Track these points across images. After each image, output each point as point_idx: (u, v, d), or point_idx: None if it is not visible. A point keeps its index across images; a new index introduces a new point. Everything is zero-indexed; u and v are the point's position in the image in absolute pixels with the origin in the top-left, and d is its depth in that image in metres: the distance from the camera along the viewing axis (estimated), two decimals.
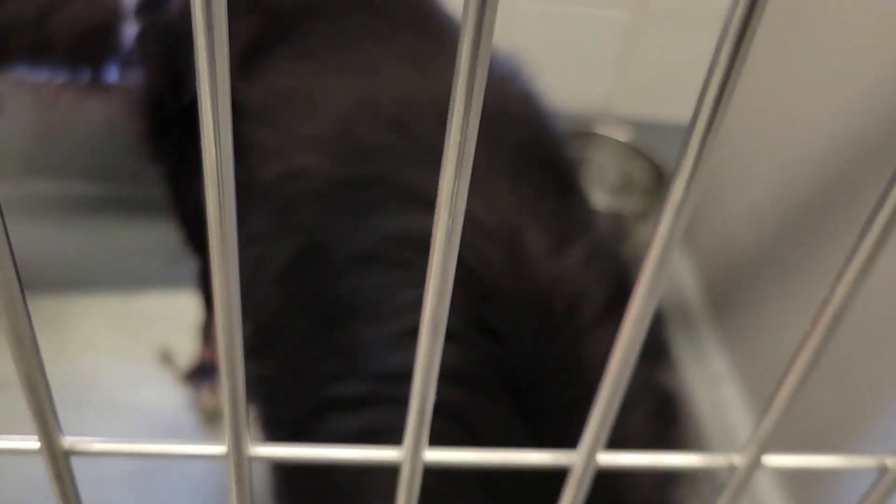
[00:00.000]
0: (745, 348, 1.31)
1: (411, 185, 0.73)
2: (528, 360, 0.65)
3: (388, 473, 0.66)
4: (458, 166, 0.16)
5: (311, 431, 0.71)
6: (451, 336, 0.67)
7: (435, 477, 0.65)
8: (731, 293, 1.34)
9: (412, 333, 0.65)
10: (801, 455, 0.26)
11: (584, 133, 1.49)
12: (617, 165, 1.51)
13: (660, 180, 1.45)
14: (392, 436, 0.65)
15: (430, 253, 0.17)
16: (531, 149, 0.79)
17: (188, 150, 0.99)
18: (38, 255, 1.39)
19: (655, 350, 0.74)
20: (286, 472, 0.77)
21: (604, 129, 1.50)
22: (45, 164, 1.45)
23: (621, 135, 1.49)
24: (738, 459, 0.25)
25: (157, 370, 1.28)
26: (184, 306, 1.34)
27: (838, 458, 0.27)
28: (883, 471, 0.27)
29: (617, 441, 0.66)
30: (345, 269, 0.72)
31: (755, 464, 0.24)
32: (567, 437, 0.63)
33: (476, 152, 0.78)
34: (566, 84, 1.48)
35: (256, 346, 0.79)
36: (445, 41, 0.86)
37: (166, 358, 1.29)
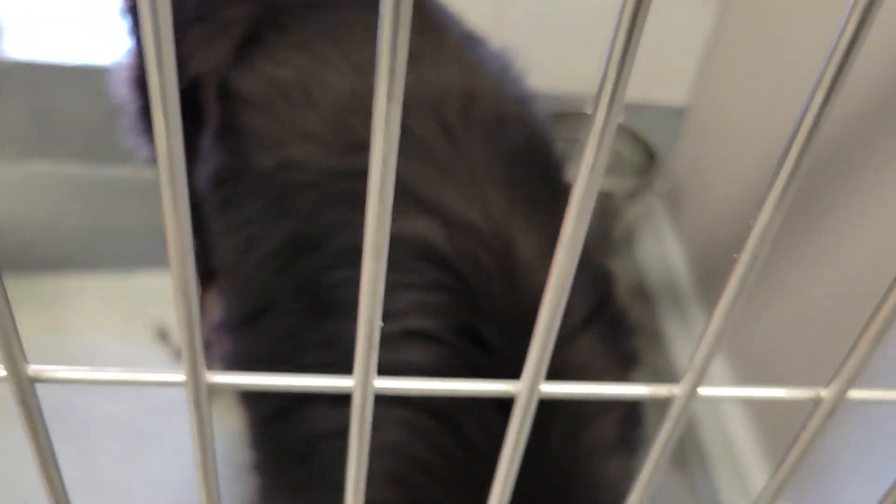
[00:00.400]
0: (738, 326, 1.33)
1: (407, 185, 0.73)
2: (511, 365, 0.67)
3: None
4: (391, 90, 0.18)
5: (292, 418, 0.73)
6: (438, 340, 0.69)
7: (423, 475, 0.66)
8: (719, 271, 1.36)
9: (400, 336, 0.67)
10: (738, 387, 0.28)
11: (575, 113, 1.51)
12: None
13: (650, 160, 1.46)
14: (378, 429, 0.67)
15: (369, 175, 0.19)
16: (525, 154, 0.80)
17: (183, 134, 1.01)
18: (35, 234, 1.41)
19: (626, 356, 0.76)
20: (260, 425, 0.78)
21: None
22: (41, 144, 1.47)
23: None
24: (677, 390, 0.26)
25: (153, 347, 1.30)
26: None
27: (774, 390, 0.28)
28: (817, 402, 0.29)
29: (593, 441, 0.69)
30: (335, 260, 0.73)
31: (692, 393, 0.26)
32: (547, 439, 0.65)
33: (472, 156, 0.80)
34: (557, 65, 1.49)
35: (243, 322, 0.81)
36: (443, 37, 0.86)
37: (162, 335, 1.31)
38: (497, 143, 0.78)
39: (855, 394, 0.28)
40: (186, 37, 0.93)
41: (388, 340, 0.68)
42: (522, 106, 0.85)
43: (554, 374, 0.71)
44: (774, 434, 1.19)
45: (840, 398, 0.28)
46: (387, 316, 0.72)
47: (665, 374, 1.38)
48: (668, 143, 1.57)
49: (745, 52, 1.35)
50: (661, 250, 1.53)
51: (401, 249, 0.70)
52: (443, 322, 0.67)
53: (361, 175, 0.80)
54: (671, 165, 1.59)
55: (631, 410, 0.73)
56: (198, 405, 0.23)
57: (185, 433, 1.19)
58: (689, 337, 1.41)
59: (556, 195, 0.79)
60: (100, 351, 1.25)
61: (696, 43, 1.47)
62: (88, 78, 1.35)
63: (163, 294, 1.37)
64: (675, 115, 1.54)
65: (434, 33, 0.86)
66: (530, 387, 0.24)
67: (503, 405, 0.66)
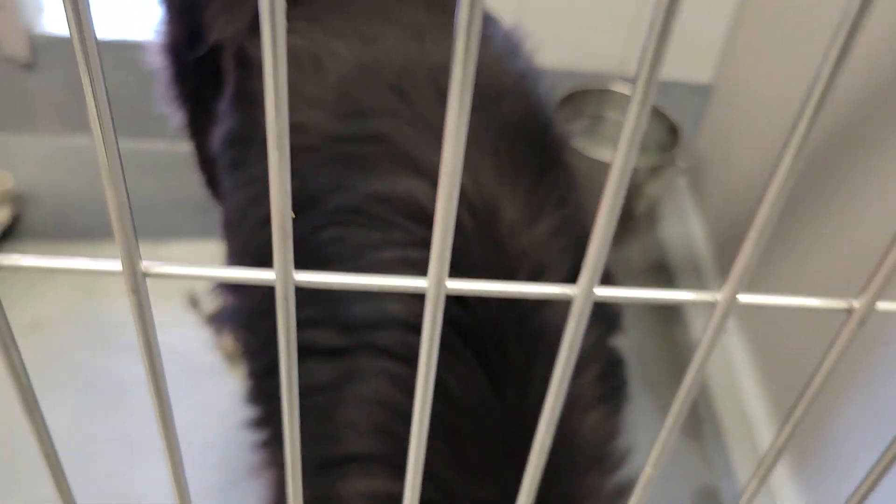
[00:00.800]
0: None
1: (403, 149, 0.76)
2: (491, 322, 0.70)
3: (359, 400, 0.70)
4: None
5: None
6: (416, 294, 0.71)
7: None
8: (739, 248, 1.36)
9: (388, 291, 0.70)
10: (773, 295, 0.30)
11: (600, 90, 1.52)
12: None
13: (674, 137, 1.47)
14: (363, 381, 0.69)
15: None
16: (520, 127, 0.82)
17: (204, 98, 1.05)
18: (73, 204, 1.47)
19: (608, 318, 0.78)
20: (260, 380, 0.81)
21: (618, 87, 1.52)
22: (80, 118, 1.53)
23: None
24: (718, 296, 0.28)
25: (184, 313, 1.35)
26: (210, 254, 1.41)
27: (808, 300, 0.30)
28: (850, 312, 0.30)
29: (570, 398, 0.71)
30: (330, 219, 0.76)
31: (732, 300, 0.28)
32: (526, 393, 0.68)
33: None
34: (582, 44, 1.50)
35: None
36: (449, 13, 0.88)
37: (193, 302, 1.36)
38: (492, 115, 0.80)
39: (883, 305, 0.30)
40: (209, 7, 0.98)
41: (371, 293, 0.71)
42: (523, 81, 0.87)
43: (535, 332, 0.73)
44: (788, 405, 1.19)
45: (870, 309, 0.29)
46: (372, 269, 0.75)
47: (684, 349, 1.39)
48: (692, 120, 1.57)
49: (769, 29, 1.35)
50: (682, 226, 1.54)
51: (391, 207, 0.73)
52: (422, 278, 0.70)
53: (359, 140, 0.83)
54: (695, 142, 1.59)
55: (611, 369, 0.75)
56: (136, 293, 0.26)
57: (210, 396, 1.24)
58: (709, 311, 1.41)
59: (547, 166, 0.81)
60: (131, 316, 1.31)
61: (720, 21, 1.47)
62: (126, 53, 1.40)
63: (193, 263, 1.42)
64: (700, 93, 1.54)
65: (441, 10, 0.89)
66: (587, 289, 0.27)
67: (481, 359, 0.68)
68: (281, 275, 0.28)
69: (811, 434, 1.10)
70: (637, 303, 0.28)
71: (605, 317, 0.77)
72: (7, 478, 1.13)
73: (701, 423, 1.30)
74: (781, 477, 1.16)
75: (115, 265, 0.27)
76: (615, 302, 0.81)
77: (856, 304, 0.31)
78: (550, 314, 0.71)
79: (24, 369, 0.29)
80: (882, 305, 0.31)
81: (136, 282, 0.27)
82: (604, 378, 0.73)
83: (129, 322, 1.34)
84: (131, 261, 0.27)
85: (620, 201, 0.26)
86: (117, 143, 0.24)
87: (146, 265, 0.27)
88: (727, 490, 1.22)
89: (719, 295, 0.29)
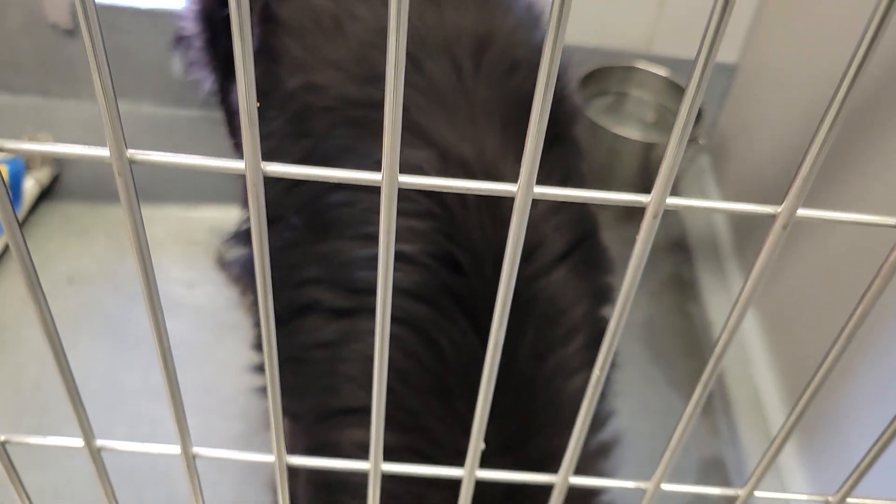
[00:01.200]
0: (767, 280, 1.35)
1: (414, 120, 0.77)
2: (485, 290, 0.72)
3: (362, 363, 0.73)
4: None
5: (290, 328, 0.78)
6: (416, 262, 0.74)
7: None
8: (758, 228, 1.37)
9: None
10: (829, 210, 0.32)
11: (624, 67, 1.54)
12: (655, 99, 1.55)
13: (697, 116, 1.48)
14: (363, 341, 0.72)
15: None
16: (530, 97, 0.84)
17: (232, 59, 1.09)
18: (110, 168, 1.53)
19: (599, 291, 0.81)
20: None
21: (642, 64, 1.54)
22: (117, 84, 1.58)
23: (660, 70, 1.53)
24: (779, 209, 0.30)
25: (212, 273, 1.40)
26: (237, 217, 1.46)
27: (861, 216, 0.31)
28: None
29: (556, 364, 0.73)
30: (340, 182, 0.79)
31: (792, 213, 0.30)
32: (515, 356, 0.71)
33: (477, 98, 0.85)
34: (609, 22, 1.52)
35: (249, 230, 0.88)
36: None
37: (221, 262, 1.41)
38: (504, 87, 0.82)
39: (804, 213, 0.31)
40: None
41: (374, 260, 0.74)
42: (537, 53, 0.89)
43: (527, 302, 0.76)
44: (798, 383, 1.21)
45: (792, 214, 0.31)
46: (375, 239, 0.77)
47: (701, 326, 1.41)
48: (716, 99, 1.58)
49: (794, 11, 1.36)
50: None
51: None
52: (423, 247, 0.73)
53: (373, 105, 0.86)
54: (719, 122, 1.60)
55: (599, 337, 0.77)
56: (121, 174, 0.30)
57: (234, 350, 1.29)
58: (725, 290, 1.43)
59: (554, 141, 0.82)
60: (164, 274, 1.36)
61: (747, 2, 1.48)
62: (161, 21, 1.45)
63: (222, 225, 1.47)
64: (725, 73, 1.55)
65: None
66: (660, 199, 0.30)
67: (474, 322, 0.71)
68: (251, 162, 0.31)
69: (817, 410, 1.11)
70: (702, 211, 0.31)
71: (595, 291, 0.80)
72: (41, 418, 1.19)
73: (710, 396, 1.32)
74: (788, 453, 1.17)
75: (104, 151, 0.31)
76: (606, 278, 0.83)
77: (777, 210, 0.32)
78: (545, 287, 0.74)
79: (52, 317, 0.33)
80: (804, 213, 0.32)
81: (123, 166, 0.31)
82: (591, 345, 0.75)
83: (158, 279, 1.39)
84: (119, 148, 0.31)
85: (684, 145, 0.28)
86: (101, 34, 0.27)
87: (131, 152, 0.31)
88: (733, 460, 1.24)
89: (778, 208, 0.30)
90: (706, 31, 0.26)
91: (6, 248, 1.39)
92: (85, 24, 0.27)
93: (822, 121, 0.28)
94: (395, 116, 0.30)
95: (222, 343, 1.31)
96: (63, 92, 1.59)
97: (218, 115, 1.30)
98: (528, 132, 0.30)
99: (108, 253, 1.40)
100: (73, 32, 1.51)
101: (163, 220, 1.46)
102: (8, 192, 0.31)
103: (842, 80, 0.28)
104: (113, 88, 0.29)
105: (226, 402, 1.23)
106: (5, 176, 1.41)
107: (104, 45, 0.28)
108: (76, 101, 1.60)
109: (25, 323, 1.30)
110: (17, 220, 0.32)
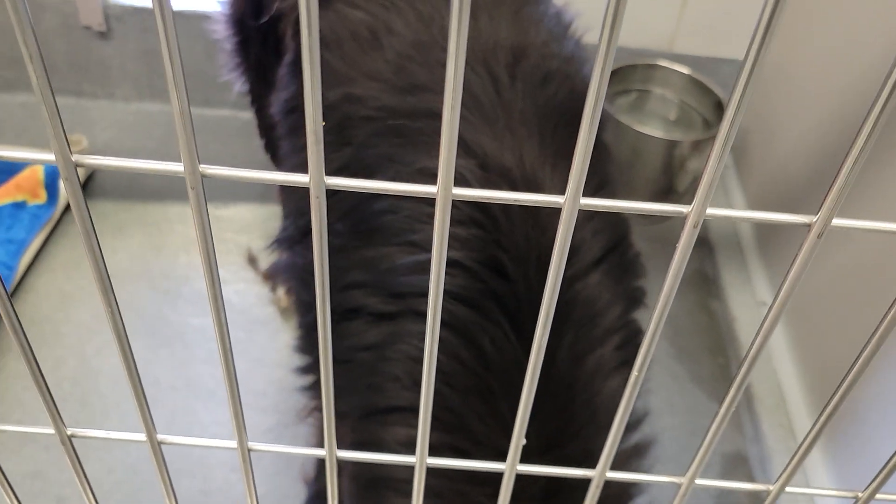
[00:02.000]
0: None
1: None
2: (527, 294, 0.75)
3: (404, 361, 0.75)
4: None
5: (335, 332, 0.79)
6: (463, 267, 0.76)
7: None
8: (779, 225, 1.38)
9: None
10: (865, 220, 0.33)
11: (646, 65, 1.55)
12: (678, 97, 1.57)
13: (719, 113, 1.50)
14: (407, 342, 0.74)
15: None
16: (564, 109, 0.86)
17: (265, 66, 1.12)
18: None
19: (632, 295, 0.83)
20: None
21: (665, 63, 1.55)
22: (150, 85, 1.62)
23: (683, 67, 1.54)
24: (814, 219, 0.32)
25: (243, 270, 1.43)
26: (267, 216, 1.49)
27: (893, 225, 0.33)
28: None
29: (594, 365, 0.75)
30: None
31: (827, 223, 0.32)
32: (554, 357, 0.73)
33: (514, 108, 0.88)
34: (632, 21, 1.54)
35: (297, 237, 0.90)
36: None
37: (251, 260, 1.44)
38: (538, 98, 0.84)
39: (839, 222, 0.32)
40: None
41: (423, 266, 0.76)
42: (569, 64, 0.91)
43: (565, 305, 0.79)
44: (819, 379, 1.22)
45: (827, 223, 0.32)
46: (422, 243, 0.79)
47: (723, 322, 1.42)
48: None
49: (816, 10, 1.37)
50: (725, 202, 1.57)
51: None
52: (469, 253, 0.75)
53: (413, 115, 0.89)
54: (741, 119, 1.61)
55: (632, 338, 0.80)
56: (194, 188, 0.33)
57: (265, 346, 1.32)
58: (747, 286, 1.44)
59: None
60: (195, 271, 1.39)
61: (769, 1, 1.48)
62: (193, 23, 1.48)
63: (252, 224, 1.50)
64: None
65: None
66: (700, 209, 0.31)
67: (516, 325, 0.74)
68: (315, 176, 0.33)
69: (842, 411, 1.12)
70: (740, 221, 0.32)
71: (628, 295, 0.82)
72: (80, 414, 1.22)
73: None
74: (813, 453, 1.19)
75: (178, 167, 0.33)
76: (639, 282, 0.85)
77: (812, 220, 0.34)
78: (583, 290, 0.77)
79: (120, 314, 0.36)
80: (839, 222, 0.34)
81: (196, 180, 0.33)
82: (624, 347, 0.77)
83: (191, 276, 1.43)
84: (193, 163, 0.33)
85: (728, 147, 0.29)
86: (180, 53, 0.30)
87: (203, 167, 0.33)
88: (756, 456, 1.25)
89: (813, 218, 0.31)
90: (749, 48, 0.26)
91: (44, 243, 1.43)
92: (167, 58, 0.29)
93: (858, 133, 0.29)
94: (452, 133, 0.32)
95: (253, 339, 1.34)
96: (96, 93, 1.63)
97: (247, 115, 1.33)
98: (576, 145, 0.32)
99: (142, 250, 1.44)
100: (105, 35, 1.54)
101: None
102: (78, 197, 0.33)
103: (880, 93, 0.29)
104: (189, 110, 0.31)
105: (258, 396, 1.26)
106: (41, 176, 1.44)
107: (181, 63, 0.31)
108: (109, 102, 1.63)
109: (65, 319, 1.33)
110: (92, 224, 0.34)
